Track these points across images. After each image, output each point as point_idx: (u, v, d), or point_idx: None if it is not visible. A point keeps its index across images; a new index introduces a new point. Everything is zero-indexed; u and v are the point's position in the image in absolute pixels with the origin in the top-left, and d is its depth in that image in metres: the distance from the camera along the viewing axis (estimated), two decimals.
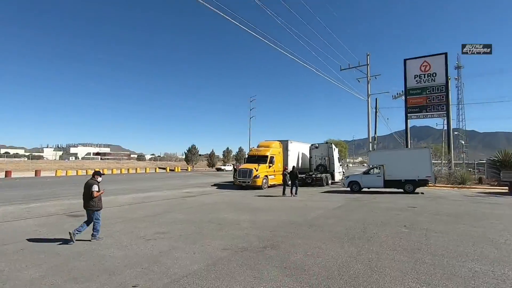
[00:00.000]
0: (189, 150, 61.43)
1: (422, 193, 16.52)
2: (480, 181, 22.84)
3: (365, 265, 4.57)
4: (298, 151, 23.77)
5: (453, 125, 31.36)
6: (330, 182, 22.80)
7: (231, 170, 53.49)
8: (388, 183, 16.98)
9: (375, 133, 27.76)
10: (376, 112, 28.48)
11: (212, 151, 66.36)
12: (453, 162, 25.54)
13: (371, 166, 18.61)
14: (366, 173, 18.27)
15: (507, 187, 18.07)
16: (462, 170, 23.66)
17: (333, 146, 24.25)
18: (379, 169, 17.34)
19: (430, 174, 16.57)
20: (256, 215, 9.31)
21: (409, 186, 16.61)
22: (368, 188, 17.74)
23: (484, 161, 30.74)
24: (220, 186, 21.42)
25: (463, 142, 45.25)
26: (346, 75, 64.70)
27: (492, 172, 22.89)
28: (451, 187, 20.46)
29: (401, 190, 16.78)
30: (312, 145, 24.58)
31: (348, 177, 18.85)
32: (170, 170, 53.48)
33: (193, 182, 25.05)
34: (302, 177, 19.85)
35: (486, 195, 15.95)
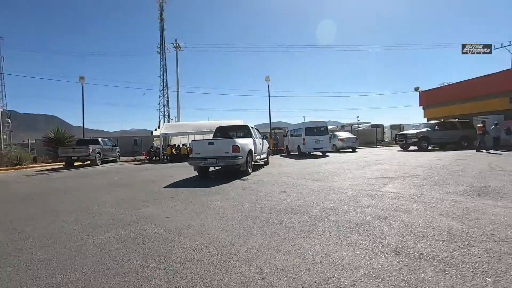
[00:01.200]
0: None
1: None
2: (35, 160, 22.26)
3: None
4: None
5: None
6: None
7: None
8: None
9: None
10: None
11: None
12: (3, 143, 22.43)
13: None
14: None
15: (63, 163, 19.49)
16: (18, 150, 21.56)
17: None
18: None
19: None
20: None
21: None
22: None
23: (34, 141, 30.33)
24: None
25: (9, 121, 41.14)
26: None
27: (47, 150, 23.22)
28: (5, 169, 17.77)
29: None
30: None
31: None
32: None
33: None
34: None
35: (49, 172, 15.90)
